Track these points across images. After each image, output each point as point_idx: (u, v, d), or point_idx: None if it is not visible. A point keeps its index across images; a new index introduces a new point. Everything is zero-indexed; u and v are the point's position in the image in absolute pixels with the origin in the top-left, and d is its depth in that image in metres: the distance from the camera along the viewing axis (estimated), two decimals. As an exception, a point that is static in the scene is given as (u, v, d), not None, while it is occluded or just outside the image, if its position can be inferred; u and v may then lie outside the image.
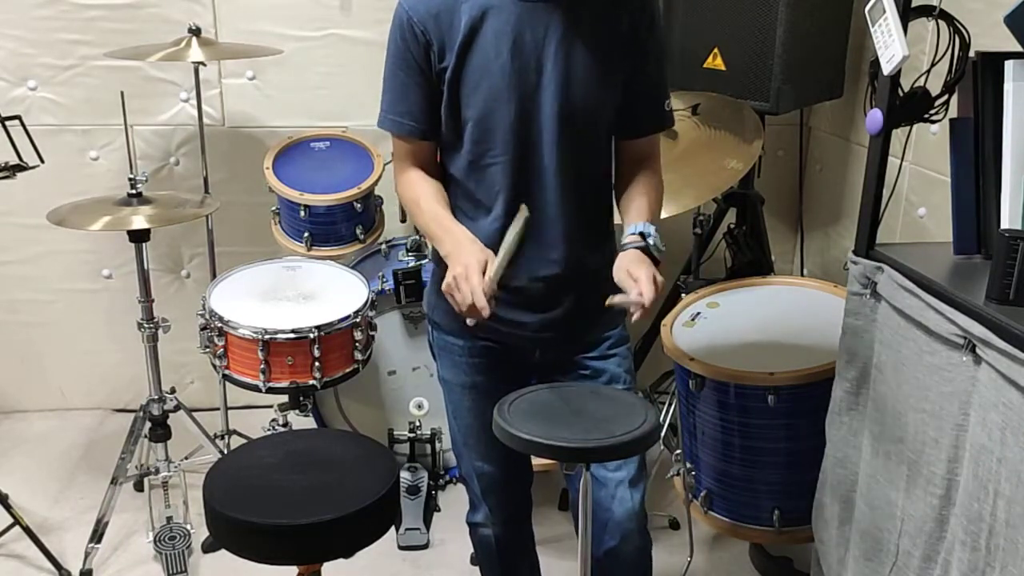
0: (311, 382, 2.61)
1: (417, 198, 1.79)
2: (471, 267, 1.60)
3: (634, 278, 1.60)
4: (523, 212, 1.65)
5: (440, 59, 1.70)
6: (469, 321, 1.63)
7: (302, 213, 2.93)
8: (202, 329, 2.65)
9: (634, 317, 1.60)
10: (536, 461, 2.04)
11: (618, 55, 1.73)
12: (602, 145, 1.81)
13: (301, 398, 2.69)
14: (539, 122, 1.71)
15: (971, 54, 1.80)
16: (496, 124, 1.71)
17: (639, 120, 1.83)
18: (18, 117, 2.48)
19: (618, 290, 1.63)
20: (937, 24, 1.78)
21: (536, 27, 1.68)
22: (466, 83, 1.70)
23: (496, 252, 1.64)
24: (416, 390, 3.06)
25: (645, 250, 1.67)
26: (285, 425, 2.75)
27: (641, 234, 1.69)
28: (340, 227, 3.00)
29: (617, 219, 1.87)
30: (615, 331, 1.90)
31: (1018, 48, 1.68)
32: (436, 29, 1.69)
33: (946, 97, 1.83)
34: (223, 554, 2.15)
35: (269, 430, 2.70)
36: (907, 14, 1.76)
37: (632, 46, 1.74)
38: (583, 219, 1.79)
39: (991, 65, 1.77)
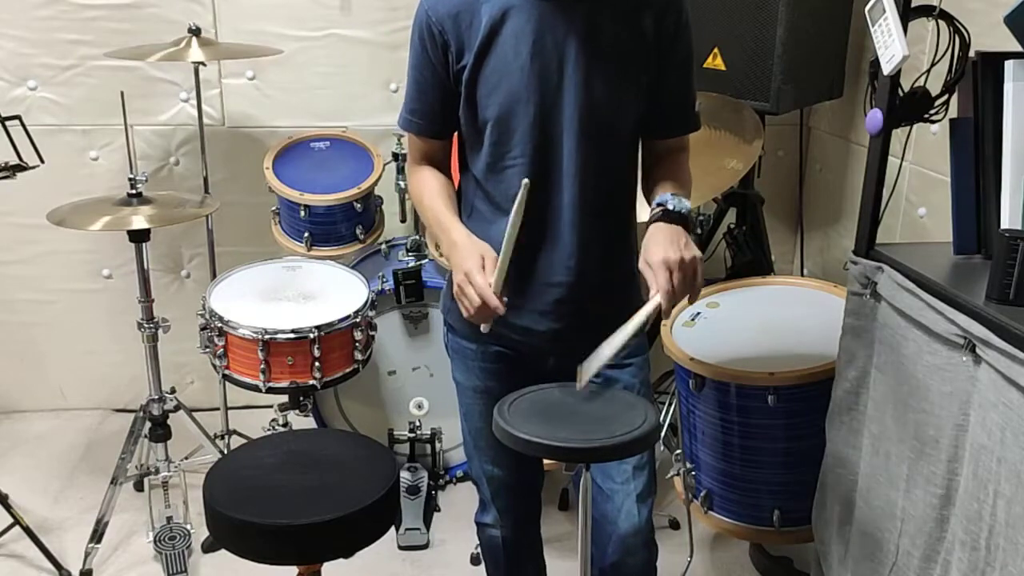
0: (311, 382, 2.61)
1: (421, 195, 1.79)
2: (471, 271, 1.59)
3: (650, 266, 1.56)
4: (525, 185, 1.57)
5: (458, 59, 1.67)
6: (484, 328, 1.62)
7: (302, 213, 2.93)
8: (202, 329, 2.65)
9: (655, 312, 1.55)
10: (537, 460, 2.04)
11: (642, 57, 1.68)
12: (625, 150, 1.76)
13: (301, 398, 2.69)
14: (559, 124, 1.67)
15: (971, 54, 1.80)
16: (515, 126, 1.67)
17: (664, 123, 1.78)
18: (18, 117, 2.48)
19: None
20: (937, 24, 1.78)
21: (557, 27, 1.63)
22: (484, 84, 1.66)
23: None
24: (416, 390, 3.06)
25: (666, 217, 1.62)
26: (285, 425, 2.75)
27: (659, 204, 1.65)
28: (340, 227, 3.00)
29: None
30: (633, 340, 1.88)
31: (1018, 48, 1.68)
32: (455, 29, 1.65)
33: (946, 97, 1.83)
34: (223, 554, 2.15)
35: (269, 430, 2.70)
36: (907, 14, 1.76)
37: (657, 48, 1.69)
38: (602, 226, 1.74)
39: (991, 65, 1.77)
